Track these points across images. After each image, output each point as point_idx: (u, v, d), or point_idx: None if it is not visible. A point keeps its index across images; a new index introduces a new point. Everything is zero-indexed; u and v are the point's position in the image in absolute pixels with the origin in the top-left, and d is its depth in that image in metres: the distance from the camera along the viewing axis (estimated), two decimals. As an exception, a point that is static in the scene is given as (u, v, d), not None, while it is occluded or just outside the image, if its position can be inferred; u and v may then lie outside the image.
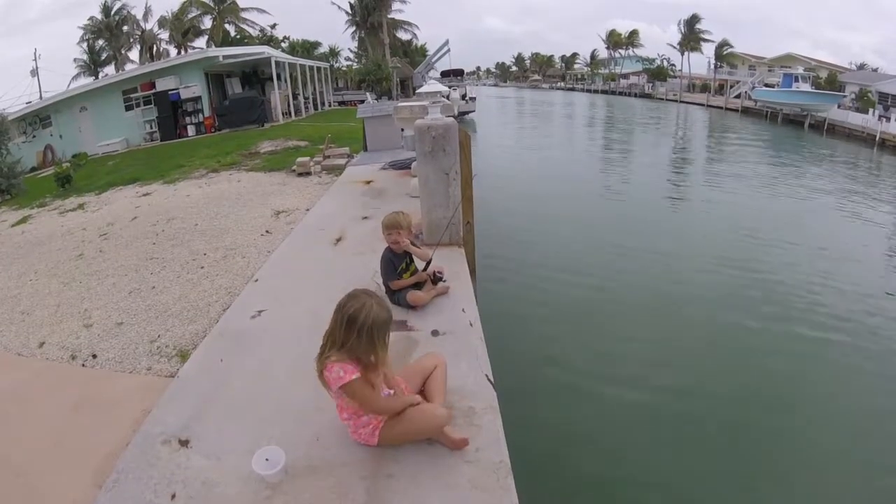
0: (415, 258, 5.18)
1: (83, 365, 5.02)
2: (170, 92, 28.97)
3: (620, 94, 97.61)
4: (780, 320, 10.09)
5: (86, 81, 52.41)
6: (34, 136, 30.51)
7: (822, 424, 7.35)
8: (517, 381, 7.61)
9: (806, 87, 48.64)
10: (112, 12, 56.12)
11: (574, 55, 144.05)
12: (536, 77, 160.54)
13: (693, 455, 6.70)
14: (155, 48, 60.21)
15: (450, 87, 28.10)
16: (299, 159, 13.76)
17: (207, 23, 57.92)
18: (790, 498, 6.17)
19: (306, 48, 67.49)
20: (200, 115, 29.55)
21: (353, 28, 64.83)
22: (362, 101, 34.15)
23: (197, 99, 29.41)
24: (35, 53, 52.69)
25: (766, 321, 10.06)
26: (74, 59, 58.44)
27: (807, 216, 17.90)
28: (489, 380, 3.79)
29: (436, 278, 5.09)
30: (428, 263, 5.11)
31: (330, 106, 46.10)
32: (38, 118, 30.72)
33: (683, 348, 9.14)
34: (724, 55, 77.44)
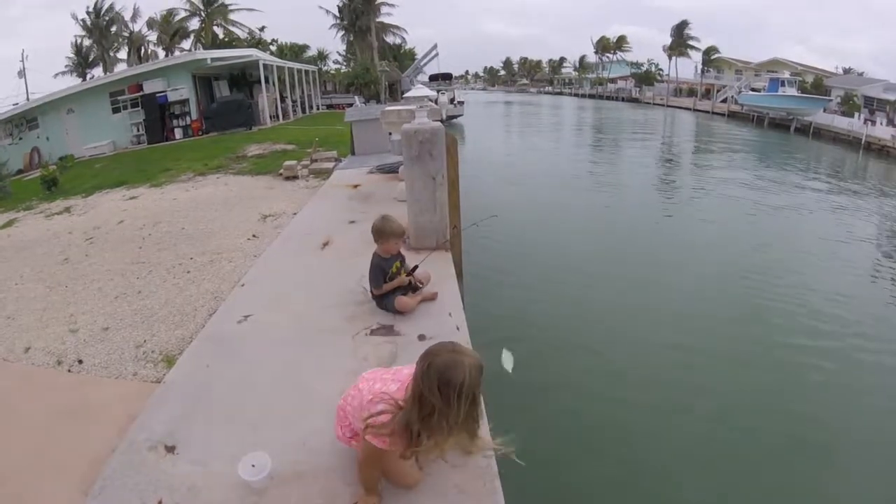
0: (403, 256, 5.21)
1: (69, 370, 5.00)
2: (157, 94, 28.82)
3: (608, 98, 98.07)
4: (771, 320, 10.20)
5: (72, 80, 52.42)
6: (20, 139, 30.31)
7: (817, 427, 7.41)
8: (504, 385, 7.63)
9: (792, 91, 49.08)
10: (102, 12, 56.00)
11: (562, 59, 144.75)
12: (525, 81, 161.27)
13: (685, 459, 6.74)
14: (143, 50, 60.05)
15: (438, 91, 28.17)
16: (286, 163, 13.75)
17: (196, 25, 57.79)
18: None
19: (295, 51, 67.36)
20: (188, 118, 29.40)
21: (342, 32, 64.83)
22: (350, 105, 34.20)
23: (184, 102, 29.28)
24: (22, 54, 52.51)
25: (755, 323, 10.16)
26: (67, 58, 58.35)
27: (798, 220, 18.07)
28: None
29: (416, 287, 5.11)
30: (414, 269, 5.13)
31: (318, 109, 46.06)
32: (24, 120, 30.51)
33: (673, 348, 9.20)
34: (711, 60, 77.96)
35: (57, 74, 59.34)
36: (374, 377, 2.91)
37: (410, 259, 5.34)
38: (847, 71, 68.24)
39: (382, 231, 4.91)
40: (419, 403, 2.46)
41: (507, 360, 5.08)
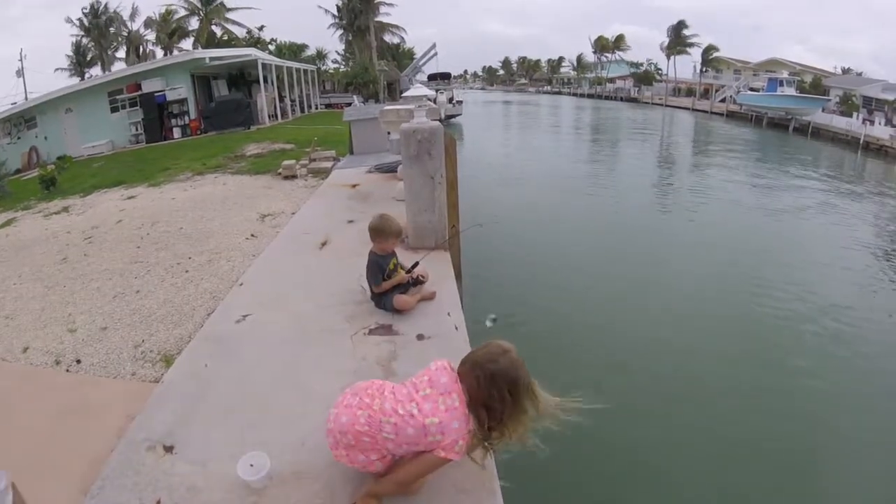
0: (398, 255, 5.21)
1: (67, 370, 4.99)
2: (156, 94, 28.78)
3: (606, 97, 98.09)
4: (770, 321, 10.24)
5: (70, 79, 52.53)
6: (19, 138, 30.26)
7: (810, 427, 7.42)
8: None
9: (790, 91, 49.12)
10: (99, 12, 56.08)
11: (560, 59, 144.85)
12: (523, 81, 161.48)
13: (684, 458, 6.75)
14: (141, 49, 60.06)
15: (437, 90, 28.17)
16: (285, 162, 13.73)
17: (194, 24, 57.73)
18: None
19: (293, 51, 67.34)
20: (186, 118, 29.35)
21: (340, 31, 64.83)
22: (349, 104, 34.18)
23: (183, 101, 29.22)
24: (21, 53, 52.52)
25: (755, 324, 10.18)
26: (67, 56, 58.56)
27: (797, 220, 18.08)
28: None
29: (417, 281, 5.12)
30: (414, 265, 5.13)
31: (316, 109, 45.99)
32: (23, 119, 30.45)
33: (673, 349, 9.23)
34: (709, 59, 78.01)
35: (57, 69, 59.56)
36: (408, 396, 2.73)
37: (408, 258, 5.34)
38: (846, 71, 68.30)
39: (382, 230, 4.91)
40: (487, 411, 2.56)
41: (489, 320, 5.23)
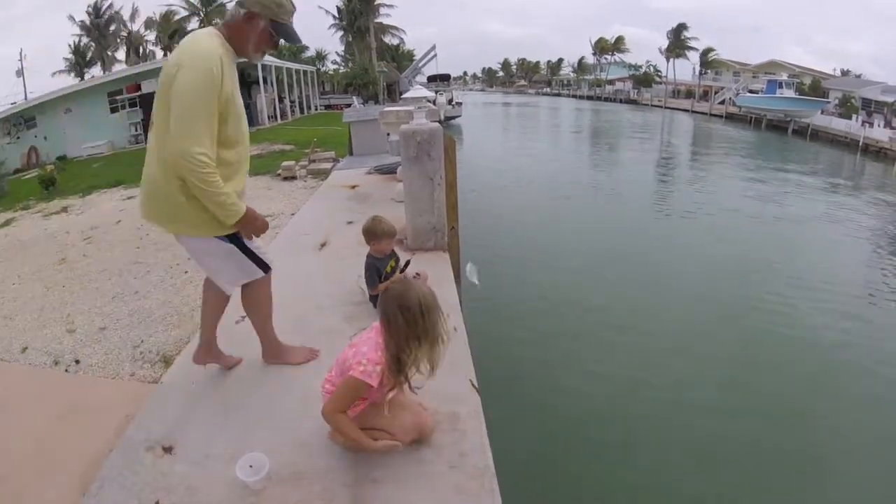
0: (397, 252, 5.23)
1: (66, 370, 4.99)
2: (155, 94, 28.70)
3: (606, 99, 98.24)
4: (770, 323, 10.23)
5: (70, 80, 52.58)
6: (18, 138, 30.26)
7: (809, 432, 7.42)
8: (502, 386, 7.63)
9: (790, 93, 49.19)
10: (101, 11, 56.18)
11: (560, 61, 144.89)
12: (523, 83, 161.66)
13: (683, 458, 6.75)
14: (141, 49, 60.15)
15: (436, 91, 28.19)
16: (284, 163, 13.73)
17: (194, 25, 57.75)
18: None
19: (293, 51, 67.39)
20: (186, 118, 29.24)
21: (341, 32, 64.96)
22: (349, 105, 34.19)
23: (183, 101, 29.15)
24: (20, 53, 52.58)
25: (755, 326, 10.18)
26: (65, 59, 58.56)
27: (796, 222, 18.08)
28: (474, 385, 3.80)
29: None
30: (406, 264, 5.12)
31: (316, 110, 46.11)
32: (22, 119, 30.46)
33: (674, 350, 9.23)
34: (708, 61, 78.07)
35: (55, 73, 59.59)
36: (353, 341, 3.10)
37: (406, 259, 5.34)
38: (845, 73, 68.40)
39: (375, 232, 4.91)
40: (391, 336, 2.77)
41: (472, 273, 5.25)
